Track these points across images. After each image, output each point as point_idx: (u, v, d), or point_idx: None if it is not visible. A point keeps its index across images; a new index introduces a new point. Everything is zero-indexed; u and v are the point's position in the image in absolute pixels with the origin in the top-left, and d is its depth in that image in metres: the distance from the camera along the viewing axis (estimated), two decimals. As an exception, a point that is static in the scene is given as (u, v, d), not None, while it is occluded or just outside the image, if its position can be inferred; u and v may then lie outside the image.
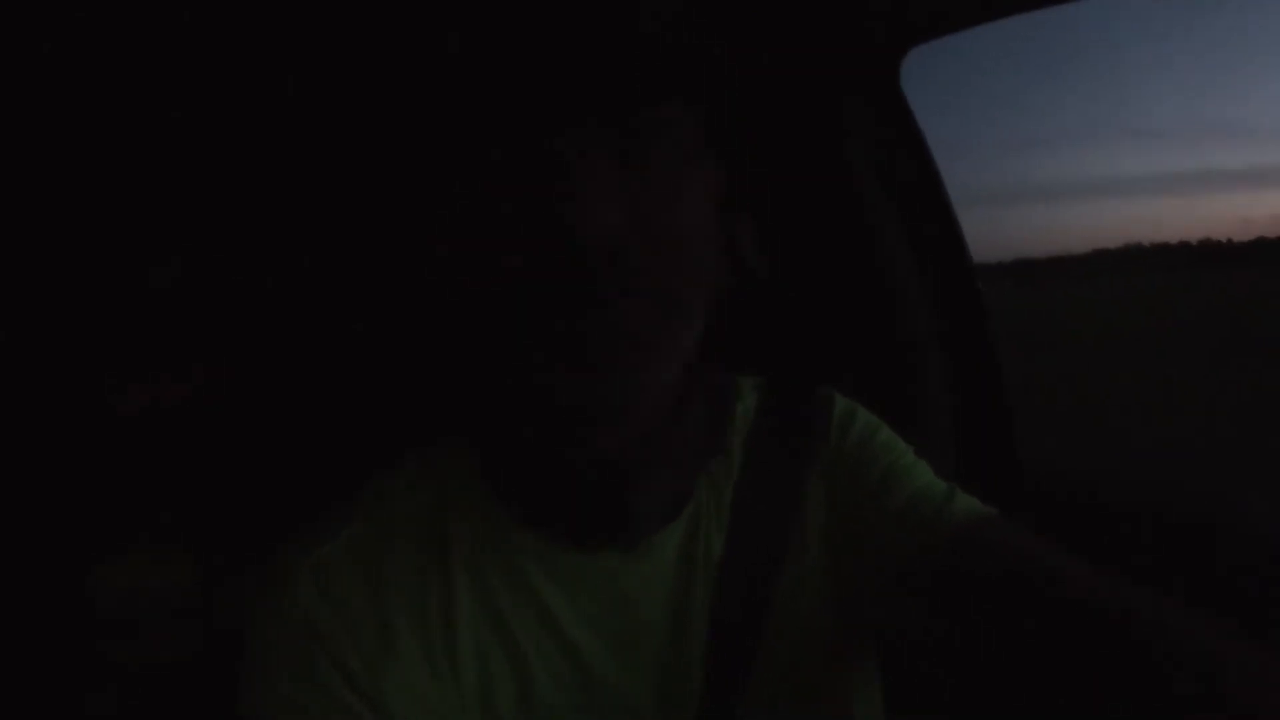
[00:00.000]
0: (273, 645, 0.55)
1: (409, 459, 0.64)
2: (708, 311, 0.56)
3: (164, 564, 1.28)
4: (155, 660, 1.23)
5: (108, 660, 1.24)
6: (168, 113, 1.17)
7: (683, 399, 0.59)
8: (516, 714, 0.57)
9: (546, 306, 0.49)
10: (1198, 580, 0.80)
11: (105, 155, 1.23)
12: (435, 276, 0.54)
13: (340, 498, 0.63)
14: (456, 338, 0.55)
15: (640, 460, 0.57)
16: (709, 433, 0.65)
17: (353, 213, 1.21)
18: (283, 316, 1.34)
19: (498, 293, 0.50)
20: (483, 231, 0.50)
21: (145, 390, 1.27)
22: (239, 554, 1.25)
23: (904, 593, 0.60)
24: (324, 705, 0.53)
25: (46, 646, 1.22)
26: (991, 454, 1.10)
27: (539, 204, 0.47)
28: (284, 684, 0.54)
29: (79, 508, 1.27)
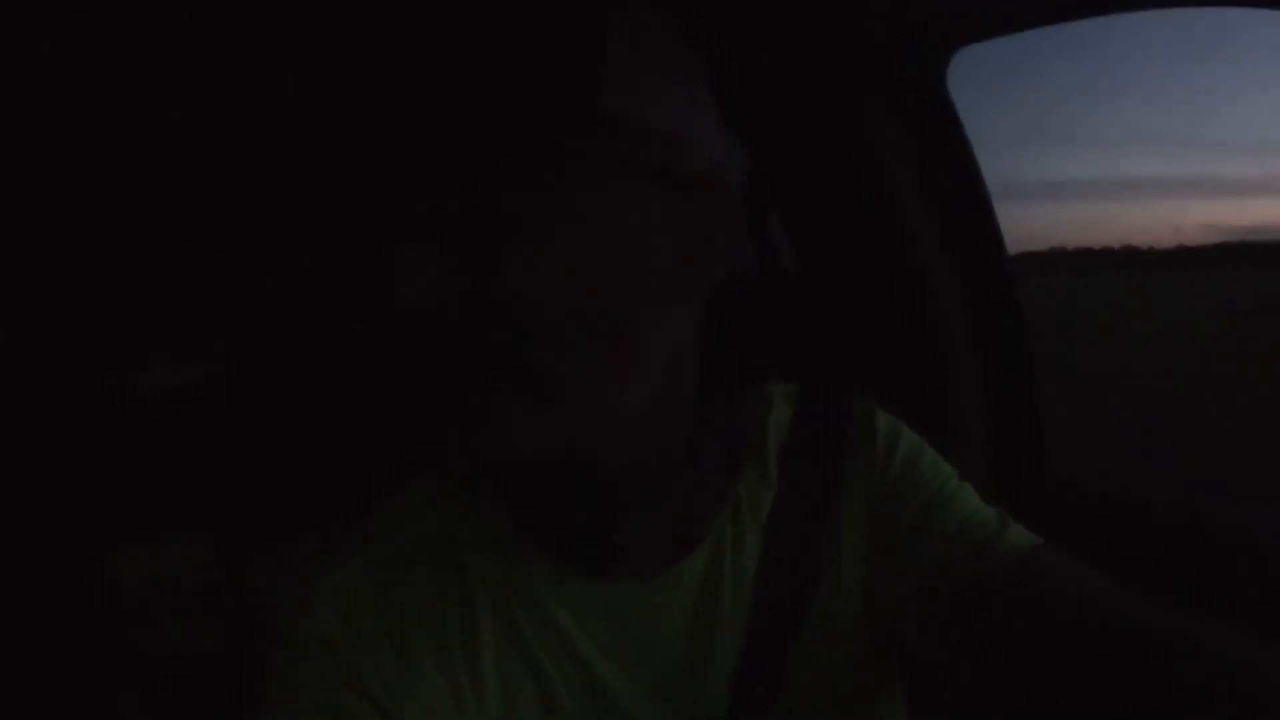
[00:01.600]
0: (293, 671, 0.54)
1: (418, 483, 0.63)
2: (720, 322, 0.55)
3: (186, 552, 1.27)
4: (180, 651, 1.23)
5: (133, 651, 1.23)
6: (176, 111, 1.16)
7: (687, 422, 0.57)
8: None
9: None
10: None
11: (119, 151, 1.22)
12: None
13: (356, 492, 0.63)
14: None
15: (643, 489, 0.55)
16: (729, 454, 0.62)
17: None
18: (295, 310, 1.33)
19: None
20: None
21: (168, 369, 1.26)
22: (261, 541, 1.25)
23: (948, 623, 0.58)
24: None
25: (69, 639, 1.21)
26: (1023, 454, 1.10)
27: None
28: (305, 713, 0.53)
29: (98, 496, 1.26)
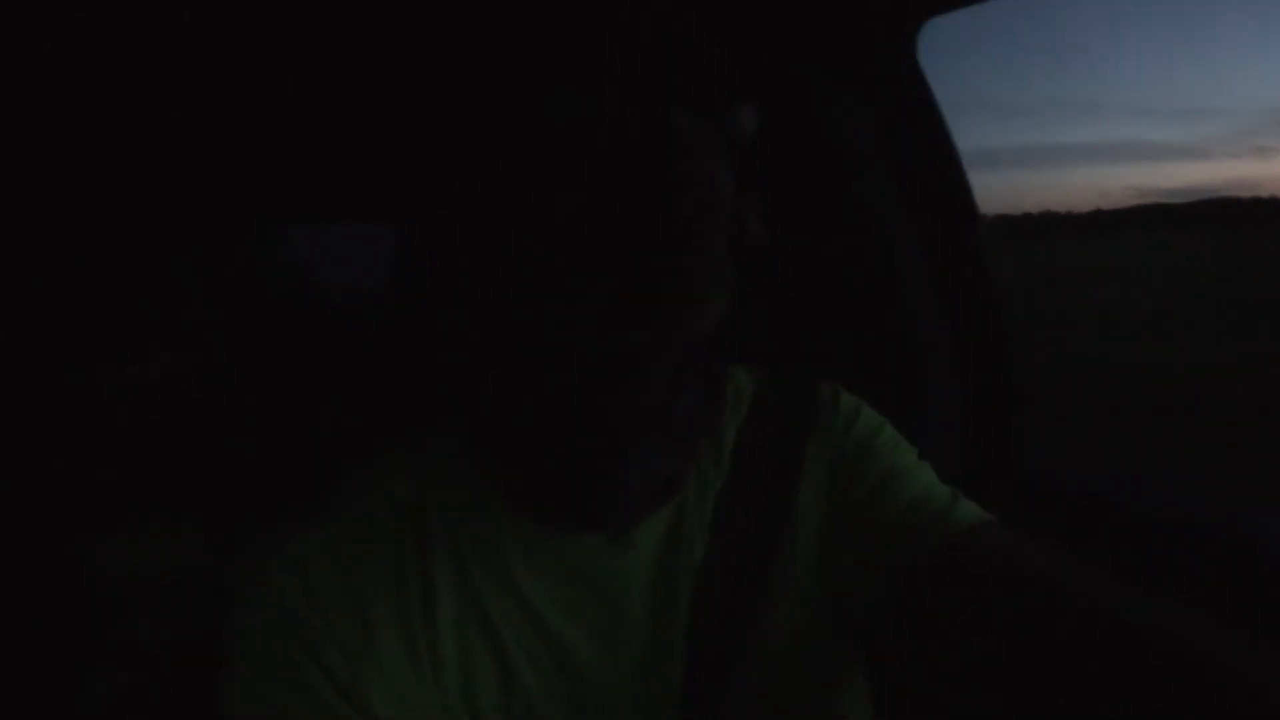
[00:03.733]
0: (250, 642, 0.54)
1: (397, 441, 0.63)
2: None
3: (170, 537, 1.24)
4: (162, 639, 1.18)
5: (110, 641, 1.19)
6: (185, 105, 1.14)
7: (680, 382, 0.58)
8: (498, 706, 0.56)
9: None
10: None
11: (117, 147, 1.20)
12: (496, 234, 0.52)
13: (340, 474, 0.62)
14: (496, 303, 0.53)
15: (640, 434, 0.55)
16: (703, 415, 0.62)
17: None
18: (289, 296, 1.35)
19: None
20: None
21: (162, 358, 1.26)
22: (249, 526, 1.21)
23: (899, 591, 0.59)
24: (303, 702, 0.52)
25: (45, 627, 1.17)
26: (995, 436, 1.09)
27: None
28: (262, 681, 0.53)
29: (77, 479, 1.22)
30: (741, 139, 0.57)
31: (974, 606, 0.56)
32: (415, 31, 0.87)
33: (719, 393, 0.66)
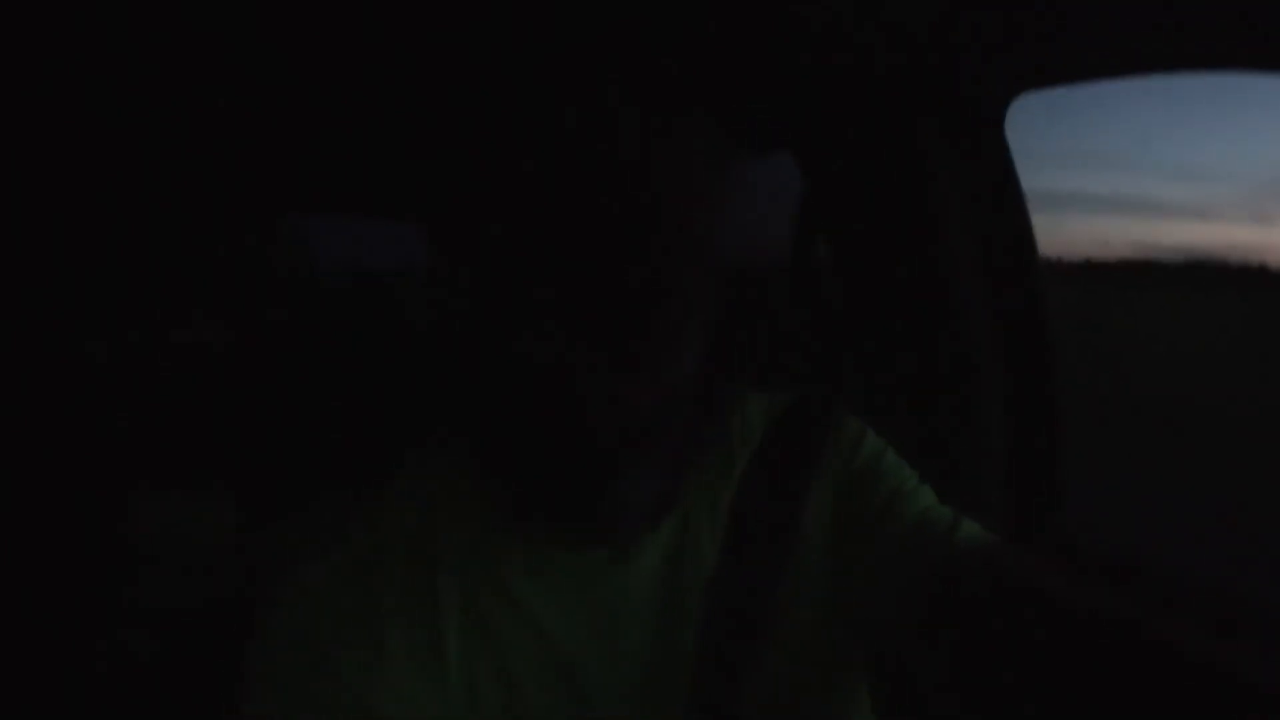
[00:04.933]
0: (269, 660, 0.57)
1: (406, 462, 0.66)
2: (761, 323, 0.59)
3: (204, 505, 1.29)
4: (188, 604, 1.24)
5: (144, 598, 1.25)
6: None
7: (672, 400, 0.59)
8: (502, 716, 0.58)
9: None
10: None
11: (154, 129, 1.22)
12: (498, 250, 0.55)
13: (378, 456, 0.66)
14: (498, 316, 0.56)
15: (632, 453, 0.57)
16: (697, 436, 0.65)
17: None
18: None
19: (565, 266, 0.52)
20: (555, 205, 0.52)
21: (208, 326, 1.29)
22: (281, 500, 1.26)
23: (906, 610, 0.61)
24: (317, 712, 0.55)
25: (82, 583, 1.22)
26: (1041, 477, 1.16)
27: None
28: (279, 700, 0.56)
29: (117, 442, 1.28)
30: (736, 166, 0.59)
31: (980, 620, 0.57)
32: (418, 35, 0.90)
33: (718, 413, 0.69)
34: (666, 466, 0.60)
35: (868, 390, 1.20)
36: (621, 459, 0.56)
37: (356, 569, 0.59)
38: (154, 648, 1.24)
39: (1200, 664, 0.48)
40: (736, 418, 0.70)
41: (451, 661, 0.58)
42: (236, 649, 0.59)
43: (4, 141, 1.18)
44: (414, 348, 1.24)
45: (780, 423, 0.70)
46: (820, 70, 1.06)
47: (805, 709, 0.65)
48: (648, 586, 0.62)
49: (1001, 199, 1.10)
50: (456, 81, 0.59)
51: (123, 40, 0.98)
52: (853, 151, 1.14)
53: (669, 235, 0.52)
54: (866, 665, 0.70)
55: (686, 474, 0.63)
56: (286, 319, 1.41)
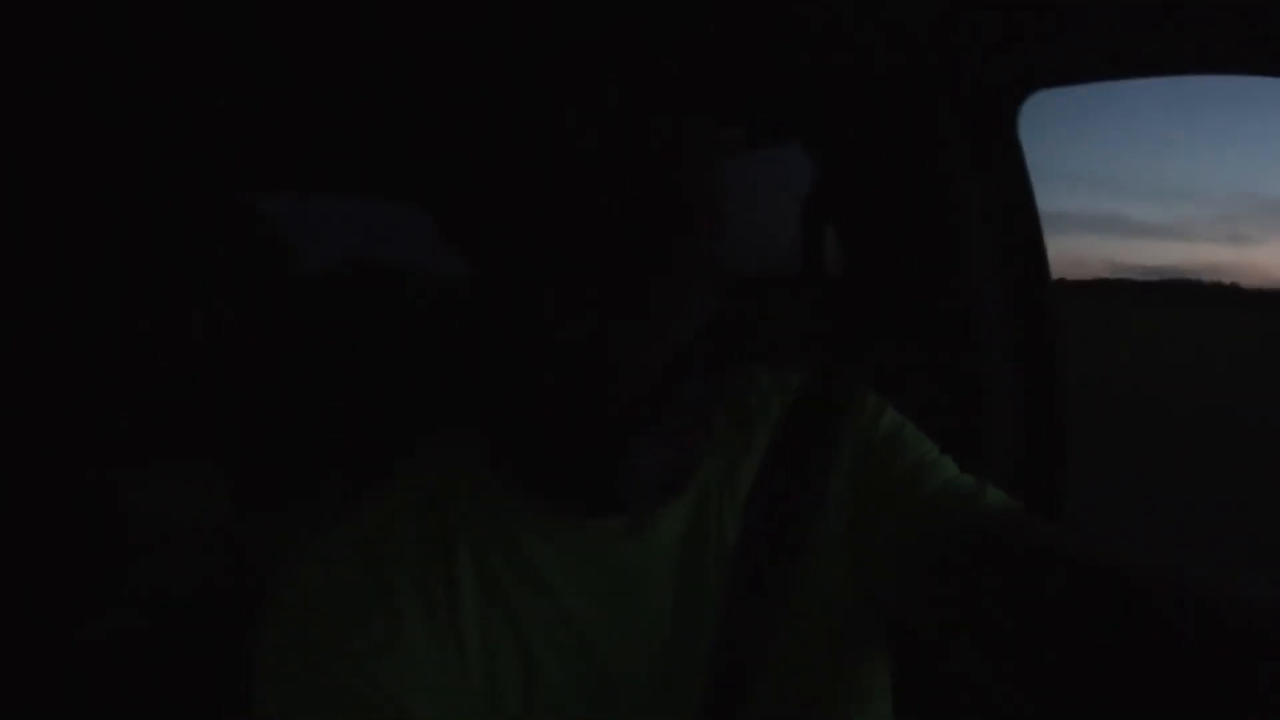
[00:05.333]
0: (282, 634, 0.56)
1: (419, 446, 0.66)
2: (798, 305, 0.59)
3: (198, 487, 1.28)
4: (186, 583, 1.22)
5: (138, 581, 1.23)
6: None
7: (680, 368, 0.59)
8: (521, 692, 0.58)
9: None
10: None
11: (143, 118, 1.21)
12: (519, 234, 0.55)
13: (377, 441, 0.63)
14: (513, 301, 0.56)
15: (641, 425, 0.57)
16: (706, 405, 0.65)
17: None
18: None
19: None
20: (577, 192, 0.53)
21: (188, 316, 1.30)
22: (277, 484, 1.26)
23: (930, 579, 0.61)
24: (333, 691, 0.54)
25: (76, 566, 1.21)
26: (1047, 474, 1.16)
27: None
28: (293, 672, 0.55)
29: (113, 420, 1.27)
30: (734, 144, 0.59)
31: (1006, 585, 0.57)
32: (427, 25, 0.89)
33: (731, 387, 0.69)
34: (679, 437, 0.60)
35: (876, 383, 1.19)
36: (633, 429, 0.56)
37: (370, 545, 0.59)
38: (148, 630, 1.22)
39: (1232, 620, 0.48)
40: (754, 396, 0.70)
41: (470, 638, 0.57)
42: (231, 633, 0.59)
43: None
44: (413, 334, 1.22)
45: (800, 399, 0.70)
46: (828, 63, 1.05)
47: (825, 685, 0.64)
48: (666, 560, 0.62)
49: (1015, 197, 1.09)
50: (466, 71, 0.59)
51: (122, 33, 0.96)
52: (867, 143, 1.13)
53: (672, 208, 0.53)
54: (887, 640, 0.70)
55: (700, 446, 0.63)
56: (284, 305, 1.39)
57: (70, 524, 1.23)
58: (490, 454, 0.62)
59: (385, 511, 0.61)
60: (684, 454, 0.62)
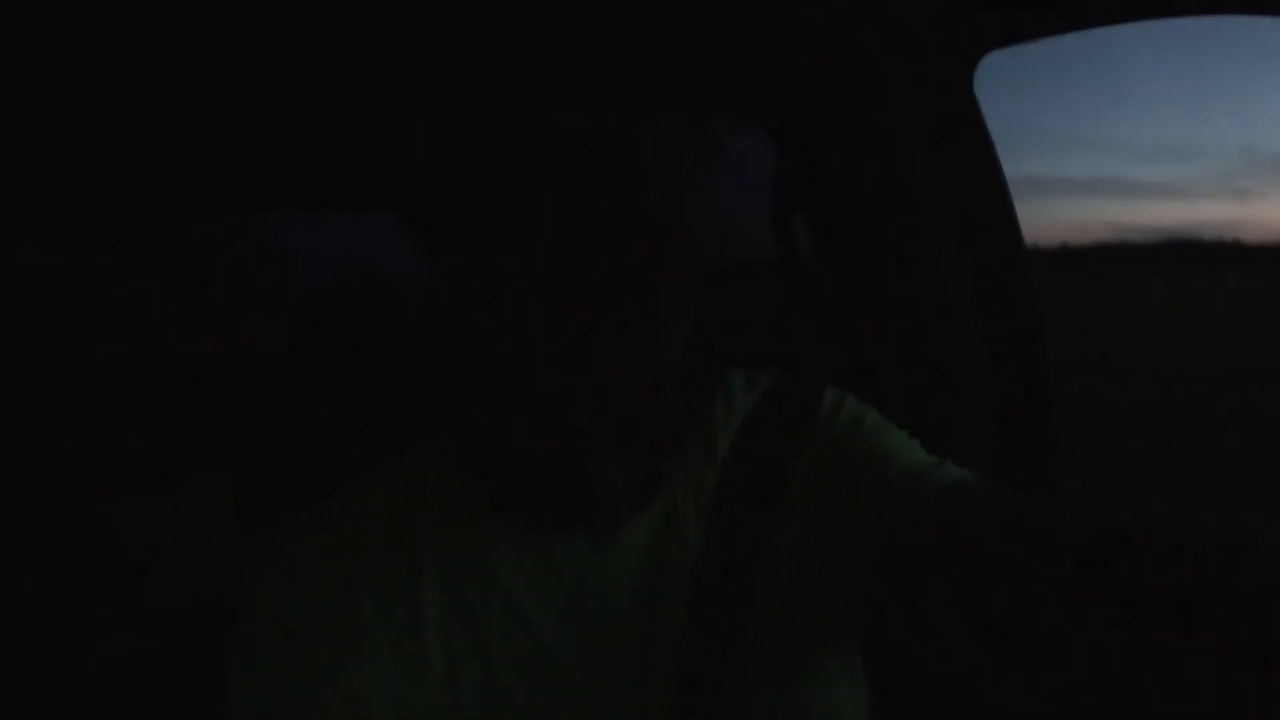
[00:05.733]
0: (249, 640, 0.57)
1: (388, 456, 0.66)
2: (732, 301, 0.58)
3: (201, 505, 1.29)
4: (182, 605, 1.24)
5: (140, 599, 1.25)
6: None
7: (656, 387, 0.59)
8: (481, 705, 0.58)
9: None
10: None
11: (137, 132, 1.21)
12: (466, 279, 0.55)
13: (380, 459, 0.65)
14: (467, 339, 0.57)
15: (607, 444, 0.57)
16: (678, 422, 0.64)
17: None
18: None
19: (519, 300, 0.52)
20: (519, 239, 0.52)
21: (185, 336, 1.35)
22: (280, 501, 1.23)
23: (896, 562, 0.59)
24: (298, 699, 0.55)
25: (78, 584, 1.23)
26: (1030, 460, 1.11)
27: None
28: (259, 679, 0.56)
29: (112, 442, 1.29)
30: (717, 153, 0.59)
31: (974, 560, 0.55)
32: (398, 31, 0.90)
33: (701, 399, 0.68)
34: (649, 453, 0.60)
35: (852, 373, 1.14)
36: (605, 450, 0.57)
37: (335, 553, 0.59)
38: (150, 649, 1.23)
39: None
40: (718, 400, 0.69)
41: (432, 647, 0.58)
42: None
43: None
44: (413, 348, 1.23)
45: (763, 402, 0.69)
46: (779, 36, 1.01)
47: (794, 687, 0.64)
48: (631, 572, 0.62)
49: (976, 162, 1.04)
50: (435, 77, 0.58)
51: (119, 40, 0.97)
52: (820, 119, 1.08)
53: (649, 228, 0.52)
54: (857, 638, 0.68)
55: (671, 463, 0.63)
56: (284, 321, 1.45)
57: (72, 546, 1.24)
58: (459, 466, 0.63)
59: (352, 520, 0.61)
60: (655, 472, 0.61)
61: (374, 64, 0.99)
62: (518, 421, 0.57)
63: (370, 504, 0.62)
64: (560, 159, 0.51)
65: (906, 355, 1.10)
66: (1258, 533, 0.45)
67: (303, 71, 1.08)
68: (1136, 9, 0.92)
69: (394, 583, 0.59)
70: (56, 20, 0.91)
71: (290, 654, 0.56)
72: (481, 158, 0.53)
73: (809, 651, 0.65)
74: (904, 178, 1.05)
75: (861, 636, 0.69)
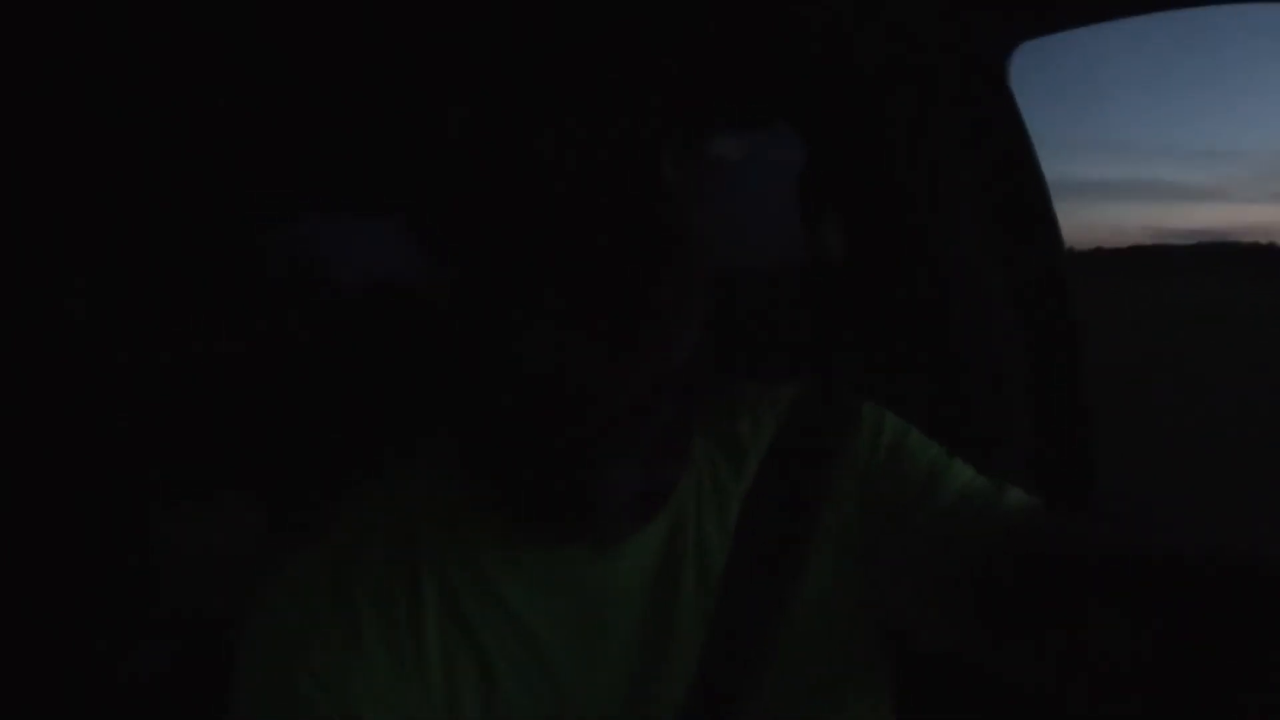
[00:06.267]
0: (251, 652, 0.57)
1: (389, 466, 0.66)
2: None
3: (233, 516, 1.29)
4: (215, 610, 1.20)
5: (167, 608, 1.26)
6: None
7: (659, 393, 0.57)
8: (480, 714, 0.57)
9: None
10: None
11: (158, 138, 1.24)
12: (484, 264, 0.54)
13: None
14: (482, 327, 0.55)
15: (616, 448, 0.55)
16: (681, 431, 0.62)
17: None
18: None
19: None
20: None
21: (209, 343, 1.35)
22: (306, 510, 1.24)
23: (955, 589, 0.59)
24: (298, 709, 0.54)
25: (106, 593, 1.24)
26: (1069, 466, 1.07)
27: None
28: (260, 690, 0.56)
29: (146, 454, 1.29)
30: (725, 167, 0.57)
31: (1043, 588, 0.55)
32: (410, 39, 0.88)
33: (708, 409, 0.67)
34: (653, 463, 0.58)
35: (882, 376, 1.11)
36: (605, 454, 0.55)
37: (337, 566, 0.59)
38: (177, 657, 1.24)
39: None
40: (745, 419, 0.67)
41: (431, 658, 0.57)
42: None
43: (19, 146, 1.20)
44: (432, 354, 1.23)
45: (793, 417, 0.68)
46: (806, 37, 0.98)
47: (818, 707, 0.63)
48: (636, 586, 0.61)
49: (1011, 158, 1.00)
50: (446, 82, 0.59)
51: (135, 43, 0.98)
52: (851, 117, 1.05)
53: (657, 231, 0.52)
54: (888, 668, 0.67)
55: (675, 471, 0.61)
56: (310, 328, 1.46)
57: (100, 555, 1.25)
58: (461, 475, 0.62)
59: (354, 532, 0.61)
60: (657, 480, 0.59)
61: (400, 77, 0.97)
62: (520, 427, 0.56)
63: (371, 516, 0.61)
64: (572, 165, 0.51)
65: (939, 358, 1.07)
66: None
67: (331, 84, 1.09)
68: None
69: (394, 596, 0.58)
70: (96, 30, 0.93)
71: (293, 667, 0.55)
72: (495, 165, 0.53)
73: (836, 673, 0.63)
74: (935, 174, 1.02)
75: (894, 657, 0.67)
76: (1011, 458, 1.04)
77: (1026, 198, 1.01)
